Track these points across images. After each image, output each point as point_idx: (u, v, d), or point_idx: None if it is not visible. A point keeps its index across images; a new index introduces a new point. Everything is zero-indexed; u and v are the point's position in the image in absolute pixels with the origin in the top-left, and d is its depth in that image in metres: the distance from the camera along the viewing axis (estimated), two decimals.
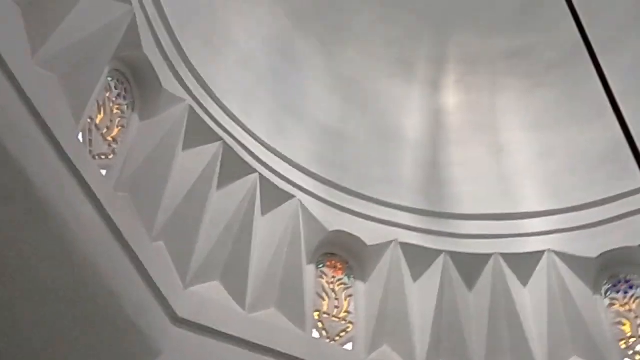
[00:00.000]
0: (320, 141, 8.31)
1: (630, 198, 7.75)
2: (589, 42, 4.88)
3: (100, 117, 6.45)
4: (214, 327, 6.60)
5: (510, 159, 8.49)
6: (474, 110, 8.65)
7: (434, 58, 8.78)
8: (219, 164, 7.22)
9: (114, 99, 6.68)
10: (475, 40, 8.73)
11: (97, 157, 6.28)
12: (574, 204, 8.08)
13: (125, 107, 6.85)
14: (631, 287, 7.78)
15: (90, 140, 6.24)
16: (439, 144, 8.52)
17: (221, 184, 7.28)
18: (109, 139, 6.53)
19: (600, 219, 7.82)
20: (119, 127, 6.70)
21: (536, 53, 8.62)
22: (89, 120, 6.23)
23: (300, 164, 8.02)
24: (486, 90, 8.67)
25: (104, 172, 6.27)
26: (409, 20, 8.73)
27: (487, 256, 8.01)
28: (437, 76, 8.76)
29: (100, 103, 6.46)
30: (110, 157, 6.48)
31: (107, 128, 6.54)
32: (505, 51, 8.69)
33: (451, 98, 8.70)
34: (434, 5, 8.68)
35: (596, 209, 7.89)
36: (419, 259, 7.98)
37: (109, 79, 6.61)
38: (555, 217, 8.11)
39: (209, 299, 6.79)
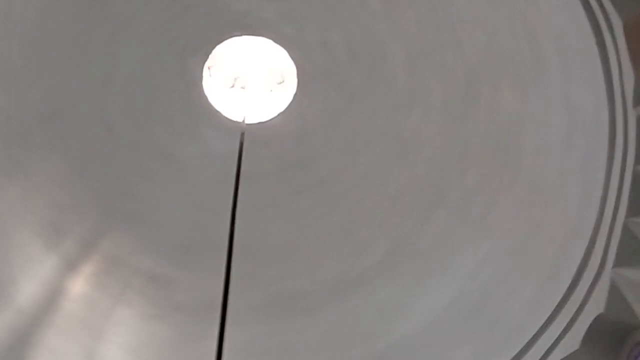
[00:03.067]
0: None
1: None
2: (225, 309, 5.19)
3: None
4: None
5: None
6: (92, 309, 8.39)
7: (86, 241, 8.59)
8: None
9: None
10: (127, 248, 8.81)
11: None
12: None
13: None
14: None
15: None
16: (42, 323, 8.05)
17: None
18: None
19: None
20: None
21: (173, 289, 8.85)
22: None
23: None
24: (113, 298, 8.54)
25: None
26: (83, 193, 8.66)
27: None
28: (79, 260, 8.49)
29: None
30: None
31: None
32: (146, 273, 8.84)
33: (79, 286, 8.44)
34: (115, 196, 8.82)
35: None
36: None
37: None
38: None
39: None
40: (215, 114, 8.98)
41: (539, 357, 7.24)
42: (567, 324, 7.06)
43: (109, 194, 8.85)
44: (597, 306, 6.77)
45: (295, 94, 8.92)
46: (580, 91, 6.90)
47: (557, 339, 7.12)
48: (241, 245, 7.92)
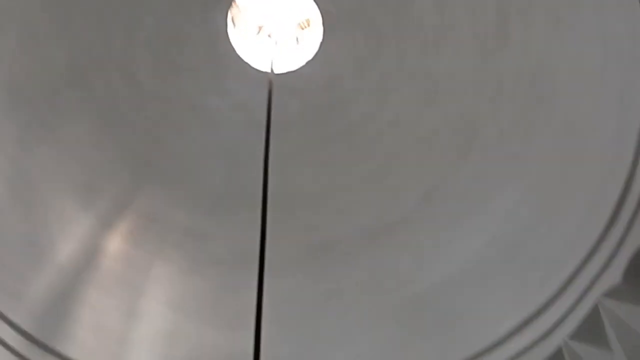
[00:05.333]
0: None
1: None
2: (263, 257, 5.18)
3: None
4: None
5: (136, 325, 8.34)
6: (130, 266, 8.49)
7: (120, 199, 8.65)
8: None
9: None
10: (161, 203, 8.84)
11: None
12: None
13: None
14: None
15: None
16: (82, 281, 8.16)
17: None
18: None
19: None
20: None
21: (209, 242, 8.91)
22: None
23: None
24: (151, 254, 8.64)
25: None
26: (114, 151, 8.67)
27: None
28: (115, 218, 8.57)
29: None
30: None
31: None
32: (182, 227, 8.86)
33: (116, 244, 8.52)
34: (146, 153, 8.85)
35: None
36: None
37: None
38: None
39: None
40: (242, 64, 8.87)
41: (579, 293, 7.19)
42: (608, 258, 6.97)
43: (140, 150, 8.86)
44: (637, 239, 6.68)
45: (322, 41, 8.77)
46: (615, 21, 6.70)
47: (597, 274, 7.05)
48: (274, 196, 7.85)
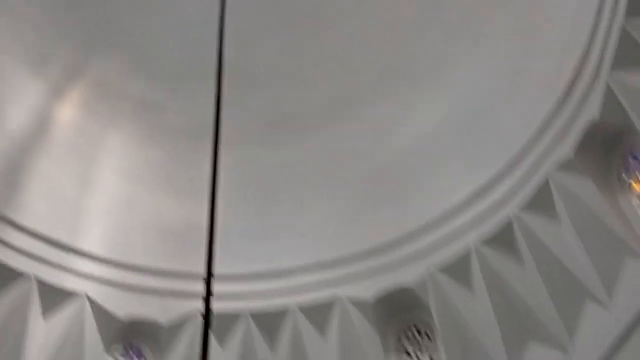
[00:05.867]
0: None
1: (182, 281, 8.29)
2: (218, 128, 5.11)
3: None
4: None
5: (90, 194, 8.34)
6: (83, 136, 8.37)
7: (74, 68, 8.38)
8: None
9: None
10: (115, 74, 8.59)
11: None
12: (126, 261, 8.35)
13: None
14: None
15: None
16: (36, 150, 8.01)
17: None
18: None
19: (151, 285, 8.36)
20: None
21: (165, 114, 8.79)
22: None
23: None
24: (104, 124, 8.51)
25: None
26: (68, 20, 8.27)
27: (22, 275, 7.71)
28: (66, 84, 8.34)
29: None
30: None
31: None
32: (136, 98, 8.69)
33: (68, 111, 8.34)
34: (101, 24, 8.47)
35: (148, 277, 8.38)
36: None
37: None
38: (97, 265, 8.20)
39: None
40: None
41: (531, 166, 7.37)
42: (560, 133, 7.12)
43: (95, 19, 8.47)
44: (591, 113, 6.80)
45: None
46: None
47: (549, 148, 7.21)
48: (234, 71, 7.73)
